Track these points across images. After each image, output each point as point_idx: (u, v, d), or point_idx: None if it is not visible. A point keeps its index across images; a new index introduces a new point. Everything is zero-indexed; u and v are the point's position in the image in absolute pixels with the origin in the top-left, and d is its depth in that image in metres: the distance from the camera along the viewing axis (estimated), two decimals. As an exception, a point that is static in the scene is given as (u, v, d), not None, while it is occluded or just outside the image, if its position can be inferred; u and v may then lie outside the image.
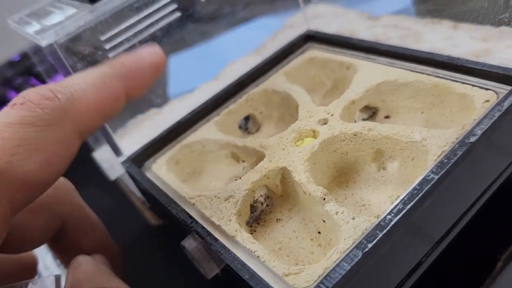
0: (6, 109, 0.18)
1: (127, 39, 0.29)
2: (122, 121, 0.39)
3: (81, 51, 0.28)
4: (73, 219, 0.24)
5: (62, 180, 0.25)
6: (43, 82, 0.51)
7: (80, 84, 0.19)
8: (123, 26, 0.28)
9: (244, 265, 0.21)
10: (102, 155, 0.37)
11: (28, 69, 0.66)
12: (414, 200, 0.20)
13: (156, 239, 0.36)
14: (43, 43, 0.26)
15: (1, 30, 0.36)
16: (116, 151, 0.30)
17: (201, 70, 0.44)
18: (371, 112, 0.31)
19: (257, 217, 0.27)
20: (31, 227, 0.22)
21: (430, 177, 0.21)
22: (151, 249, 0.36)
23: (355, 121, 0.30)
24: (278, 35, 0.45)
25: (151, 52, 0.22)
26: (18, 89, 0.63)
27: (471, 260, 0.25)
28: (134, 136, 0.38)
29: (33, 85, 0.61)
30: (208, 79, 0.44)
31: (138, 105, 0.40)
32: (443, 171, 0.21)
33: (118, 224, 0.39)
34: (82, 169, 0.41)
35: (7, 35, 0.35)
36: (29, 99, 0.18)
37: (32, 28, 0.28)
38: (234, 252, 0.22)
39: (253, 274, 0.20)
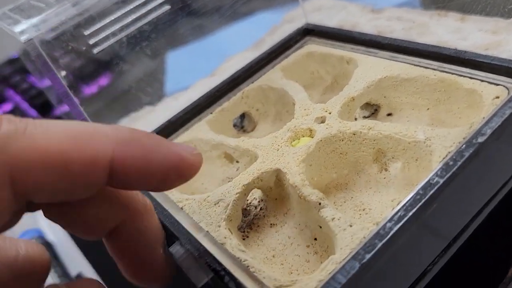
0: None
1: (113, 34, 0.27)
2: (114, 119, 0.37)
3: (64, 46, 0.26)
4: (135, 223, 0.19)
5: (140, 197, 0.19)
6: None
7: (51, 127, 0.14)
8: (108, 20, 0.27)
9: (231, 276, 0.19)
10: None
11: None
12: (417, 206, 0.18)
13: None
14: (22, 38, 0.25)
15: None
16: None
17: (197, 66, 0.42)
18: (372, 110, 0.29)
19: (250, 221, 0.25)
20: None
21: (435, 180, 0.19)
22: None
23: (355, 119, 0.28)
24: (277, 30, 0.43)
25: (186, 149, 0.17)
26: (16, 87, 0.62)
27: (481, 266, 0.24)
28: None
29: (31, 83, 0.59)
30: (205, 75, 0.42)
31: (131, 103, 0.38)
32: (448, 174, 0.19)
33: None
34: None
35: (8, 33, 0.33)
36: None
37: (13, 23, 0.26)
38: (222, 261, 0.20)
39: (241, 286, 0.19)
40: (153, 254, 0.19)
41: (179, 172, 0.16)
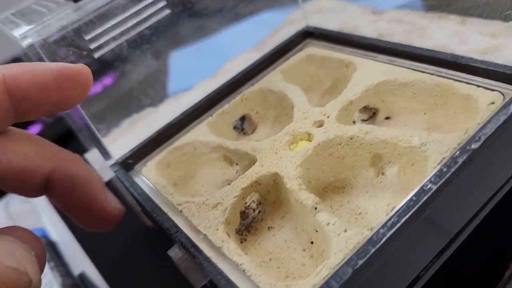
0: None
1: (114, 38, 0.27)
2: (116, 121, 0.38)
3: (65, 51, 0.26)
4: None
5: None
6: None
7: None
8: (109, 25, 0.27)
9: (228, 280, 0.20)
10: (95, 156, 0.36)
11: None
12: (410, 213, 0.19)
13: (152, 242, 0.35)
14: (24, 43, 0.25)
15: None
16: (104, 154, 0.29)
17: (199, 67, 0.42)
18: (371, 113, 0.29)
19: (249, 224, 0.25)
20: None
21: (428, 187, 0.19)
22: (146, 252, 0.35)
23: (354, 122, 0.29)
24: (278, 31, 0.43)
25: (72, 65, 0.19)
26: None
27: (475, 271, 0.24)
28: (128, 137, 0.37)
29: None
30: (207, 76, 0.42)
31: (133, 104, 0.39)
32: (442, 181, 0.19)
33: (114, 226, 0.38)
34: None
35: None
36: None
37: (15, 27, 0.27)
38: (218, 265, 0.21)
39: (237, 291, 0.19)
40: (93, 198, 0.20)
41: (68, 77, 0.18)
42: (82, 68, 0.18)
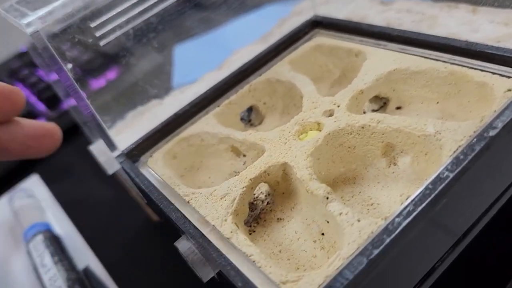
0: None
1: (119, 26, 0.27)
2: (122, 113, 0.37)
3: (70, 39, 0.26)
4: None
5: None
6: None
7: None
8: (114, 12, 0.26)
9: (237, 271, 0.19)
10: (100, 147, 0.35)
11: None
12: (427, 201, 0.18)
13: (157, 236, 0.35)
14: (29, 30, 0.25)
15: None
16: (110, 145, 0.28)
17: (204, 59, 0.42)
18: (381, 103, 0.28)
19: (257, 216, 0.25)
20: None
21: (445, 175, 0.19)
22: (151, 246, 0.34)
23: (364, 112, 0.28)
24: (285, 22, 0.42)
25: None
26: (24, 81, 0.62)
27: (489, 264, 0.23)
28: (133, 129, 0.37)
29: (39, 77, 0.59)
30: (213, 68, 0.42)
31: (138, 96, 0.38)
32: (459, 169, 0.19)
33: (119, 219, 0.37)
34: (83, 161, 0.40)
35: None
36: None
37: (20, 15, 0.26)
38: (228, 256, 0.20)
39: (247, 282, 0.19)
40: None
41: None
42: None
